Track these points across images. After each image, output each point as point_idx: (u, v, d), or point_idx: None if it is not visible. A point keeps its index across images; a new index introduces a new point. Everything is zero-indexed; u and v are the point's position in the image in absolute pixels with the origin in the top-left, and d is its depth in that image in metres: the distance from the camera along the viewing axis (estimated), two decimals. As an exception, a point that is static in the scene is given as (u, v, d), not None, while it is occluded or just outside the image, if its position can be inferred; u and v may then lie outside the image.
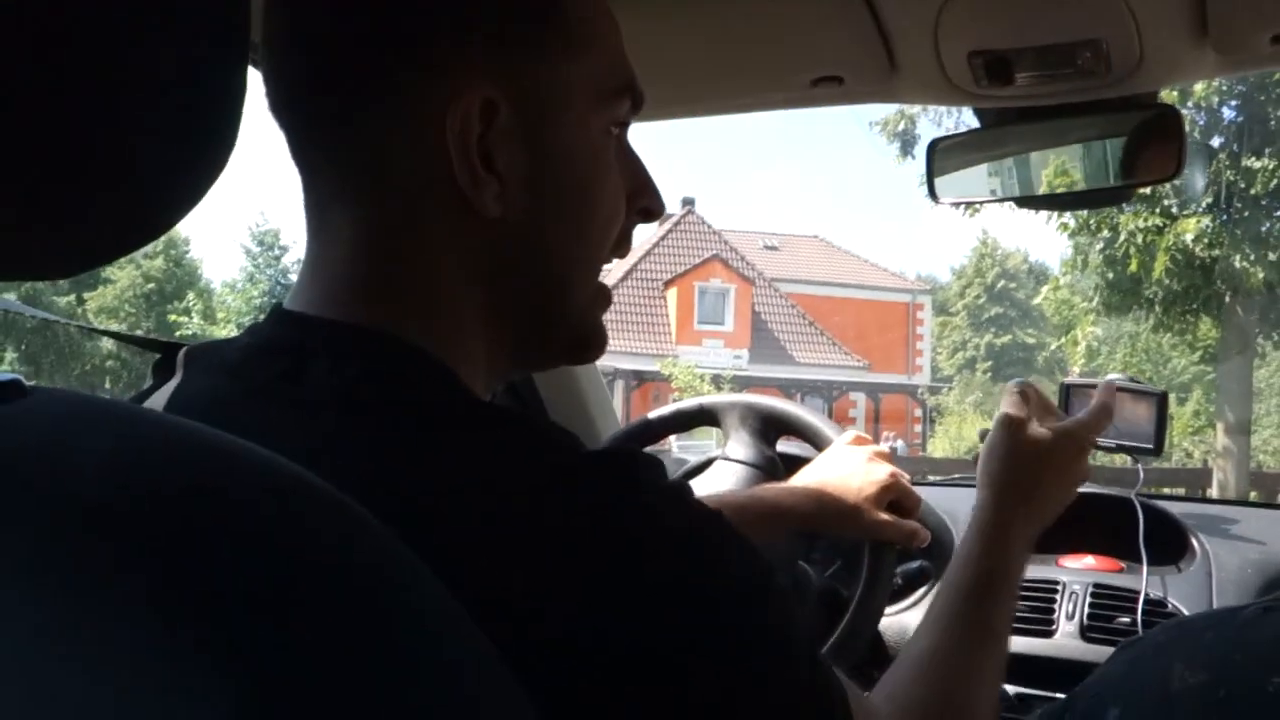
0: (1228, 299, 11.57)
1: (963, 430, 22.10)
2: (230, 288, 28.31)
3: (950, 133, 1.27)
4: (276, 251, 29.37)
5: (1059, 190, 1.25)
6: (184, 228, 36.58)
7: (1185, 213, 10.64)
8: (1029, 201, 1.28)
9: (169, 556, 0.36)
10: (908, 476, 1.14)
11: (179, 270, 27.03)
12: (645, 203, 0.65)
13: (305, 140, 0.58)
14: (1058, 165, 1.22)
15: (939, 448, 21.58)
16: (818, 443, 1.23)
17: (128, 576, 0.35)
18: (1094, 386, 1.35)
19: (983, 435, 0.96)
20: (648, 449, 1.36)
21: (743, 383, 17.77)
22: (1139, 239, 10.61)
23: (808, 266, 26.82)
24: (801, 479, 1.14)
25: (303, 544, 0.38)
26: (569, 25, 0.58)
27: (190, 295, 26.19)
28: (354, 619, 0.37)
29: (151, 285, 25.93)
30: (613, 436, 1.50)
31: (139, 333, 0.93)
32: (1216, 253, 10.93)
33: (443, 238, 0.57)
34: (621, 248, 0.65)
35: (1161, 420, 1.28)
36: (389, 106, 0.56)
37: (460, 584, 0.42)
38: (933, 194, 1.24)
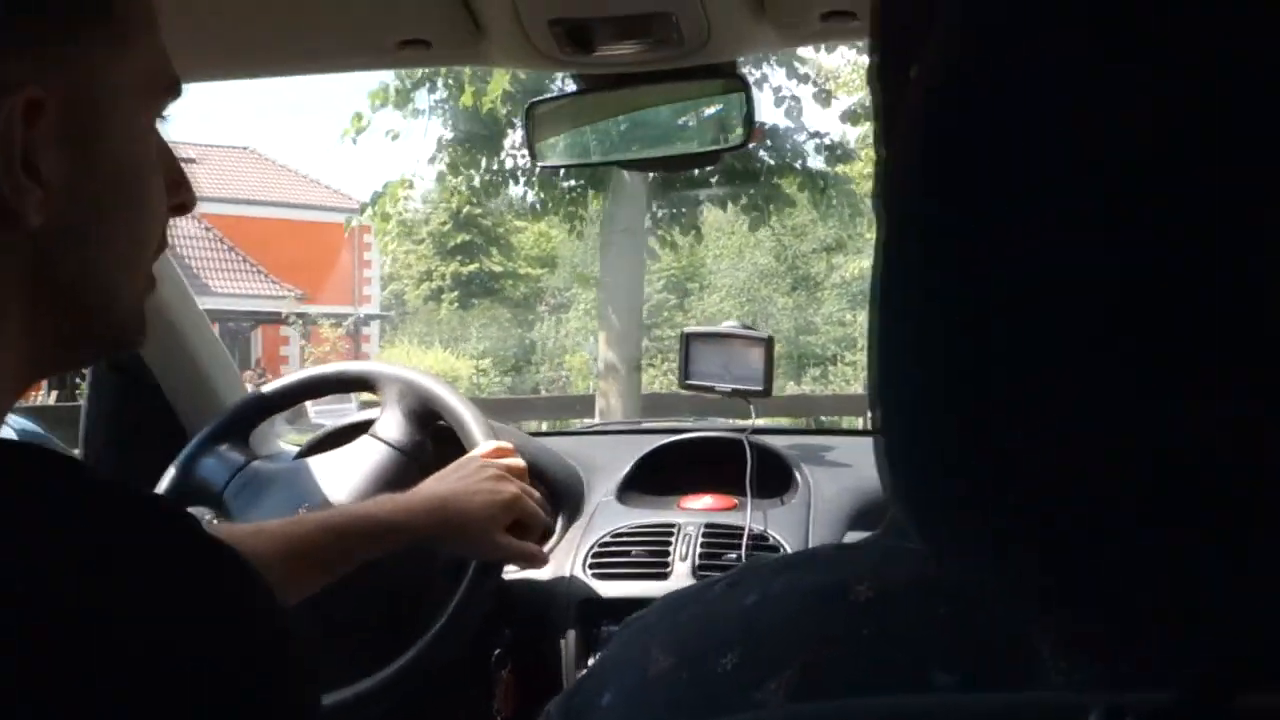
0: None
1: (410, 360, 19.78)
2: None
3: (548, 95, 1.30)
4: None
5: (648, 155, 1.31)
6: None
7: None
8: (625, 164, 1.45)
9: None
10: (537, 495, 1.20)
11: None
12: (181, 197, 0.63)
13: None
14: (650, 131, 1.27)
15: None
16: (465, 441, 1.25)
17: None
18: (712, 335, 1.53)
19: None
20: (289, 409, 1.45)
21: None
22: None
23: (234, 183, 23.50)
24: (425, 491, 1.16)
25: None
26: (118, 20, 0.55)
27: None
28: None
29: None
30: (240, 402, 1.43)
31: None
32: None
33: None
34: (163, 246, 0.62)
35: (769, 363, 1.43)
36: None
37: None
38: (533, 156, 1.29)
